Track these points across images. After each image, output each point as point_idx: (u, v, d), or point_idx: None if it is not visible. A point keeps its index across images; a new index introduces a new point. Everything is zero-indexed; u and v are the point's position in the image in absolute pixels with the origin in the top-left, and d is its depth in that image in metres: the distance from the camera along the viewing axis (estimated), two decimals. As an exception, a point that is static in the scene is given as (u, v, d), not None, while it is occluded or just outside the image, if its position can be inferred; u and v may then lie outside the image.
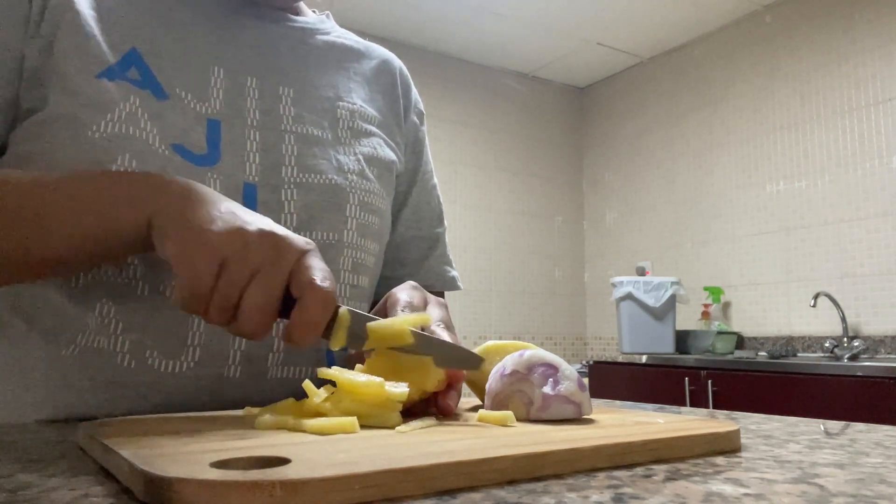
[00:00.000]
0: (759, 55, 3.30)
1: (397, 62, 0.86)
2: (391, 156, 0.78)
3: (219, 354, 0.61)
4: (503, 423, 0.45)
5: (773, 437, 0.48)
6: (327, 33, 0.79)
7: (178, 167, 0.60)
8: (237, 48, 0.69)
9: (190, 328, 0.60)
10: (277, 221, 0.64)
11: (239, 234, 0.47)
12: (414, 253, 0.85)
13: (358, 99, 0.77)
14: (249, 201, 0.64)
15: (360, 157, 0.73)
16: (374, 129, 0.77)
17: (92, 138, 0.58)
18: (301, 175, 0.67)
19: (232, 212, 0.49)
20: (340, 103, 0.74)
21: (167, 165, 0.60)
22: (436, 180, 0.89)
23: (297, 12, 0.78)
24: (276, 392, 0.63)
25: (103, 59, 0.61)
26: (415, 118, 0.86)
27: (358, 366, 0.51)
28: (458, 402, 0.53)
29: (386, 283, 0.80)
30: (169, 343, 0.60)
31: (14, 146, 0.61)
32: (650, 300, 3.02)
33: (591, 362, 3.11)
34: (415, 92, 0.88)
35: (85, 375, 0.59)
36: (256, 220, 0.49)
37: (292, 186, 0.66)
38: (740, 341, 3.21)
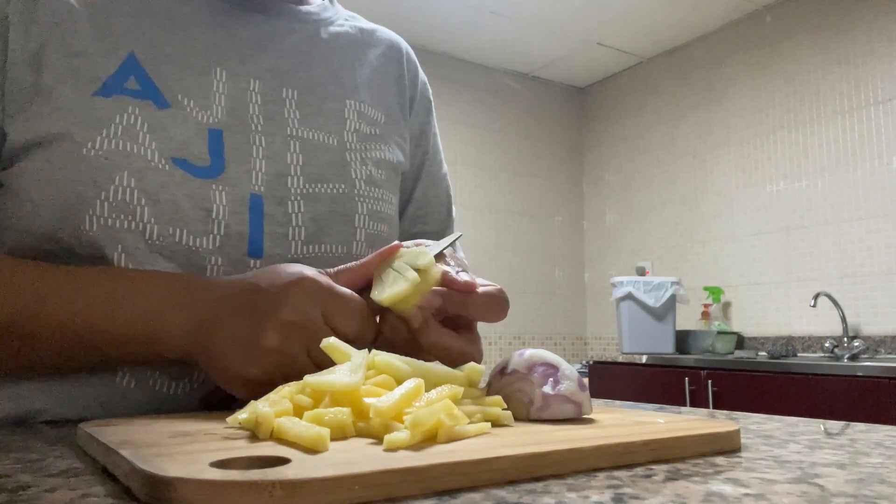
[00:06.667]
0: (760, 55, 3.30)
1: (403, 46, 0.84)
2: (398, 156, 0.76)
3: None
4: (502, 423, 0.44)
5: (773, 437, 0.48)
6: (332, 22, 0.76)
7: (180, 182, 0.58)
8: (239, 47, 0.67)
9: None
10: (285, 235, 0.63)
11: (266, 356, 0.49)
12: None
13: (365, 96, 0.74)
14: (256, 213, 0.62)
15: (368, 162, 0.71)
16: (381, 129, 0.75)
17: (87, 156, 0.56)
18: (308, 186, 0.65)
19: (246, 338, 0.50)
20: (347, 101, 0.72)
21: (168, 181, 0.58)
22: (446, 169, 0.86)
23: (301, 1, 0.75)
24: None
25: (98, 74, 0.58)
26: (421, 109, 0.83)
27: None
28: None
29: None
30: (175, 365, 0.57)
31: (10, 178, 0.58)
32: (650, 300, 3.02)
33: (591, 362, 3.11)
34: (422, 78, 0.85)
35: (78, 392, 0.57)
36: (269, 325, 0.49)
37: (299, 198, 0.64)
38: (740, 341, 3.21)
